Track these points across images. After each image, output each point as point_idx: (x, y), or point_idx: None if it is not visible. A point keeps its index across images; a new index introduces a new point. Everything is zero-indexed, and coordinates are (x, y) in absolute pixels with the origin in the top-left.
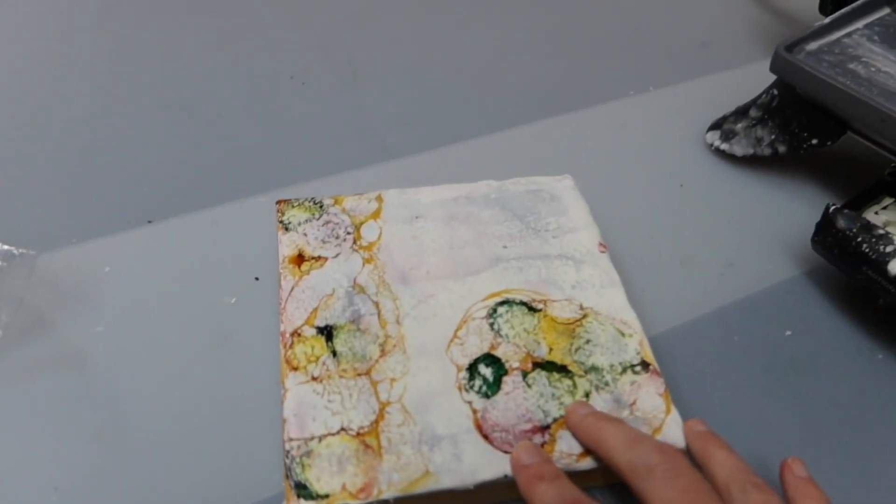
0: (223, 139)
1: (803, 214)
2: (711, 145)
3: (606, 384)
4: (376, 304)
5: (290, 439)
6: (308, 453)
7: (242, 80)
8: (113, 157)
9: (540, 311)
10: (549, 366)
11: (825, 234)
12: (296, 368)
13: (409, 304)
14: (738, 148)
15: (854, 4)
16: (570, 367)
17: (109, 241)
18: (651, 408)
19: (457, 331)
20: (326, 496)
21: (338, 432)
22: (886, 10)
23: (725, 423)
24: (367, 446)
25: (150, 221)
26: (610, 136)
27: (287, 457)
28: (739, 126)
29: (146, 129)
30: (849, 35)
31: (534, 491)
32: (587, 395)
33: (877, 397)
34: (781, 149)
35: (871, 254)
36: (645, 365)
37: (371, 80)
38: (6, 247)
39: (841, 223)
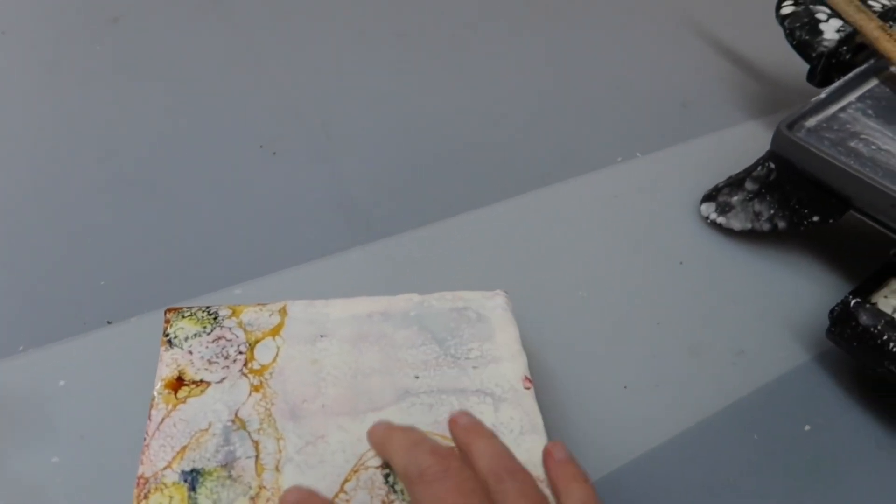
0: (186, 219)
1: (810, 295)
2: (707, 218)
3: None
4: (256, 445)
5: None
6: None
7: (206, 149)
8: (63, 247)
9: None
10: None
11: (844, 327)
12: None
13: (295, 445)
14: (736, 222)
15: (845, 78)
16: None
17: (64, 348)
18: None
19: (344, 483)
20: None
21: None
22: (875, 82)
23: None
24: None
25: (109, 322)
26: (602, 207)
27: None
28: (735, 199)
29: (98, 209)
30: (843, 109)
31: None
32: None
33: None
34: (781, 224)
35: (895, 349)
36: None
37: (347, 147)
38: None
39: (864, 319)
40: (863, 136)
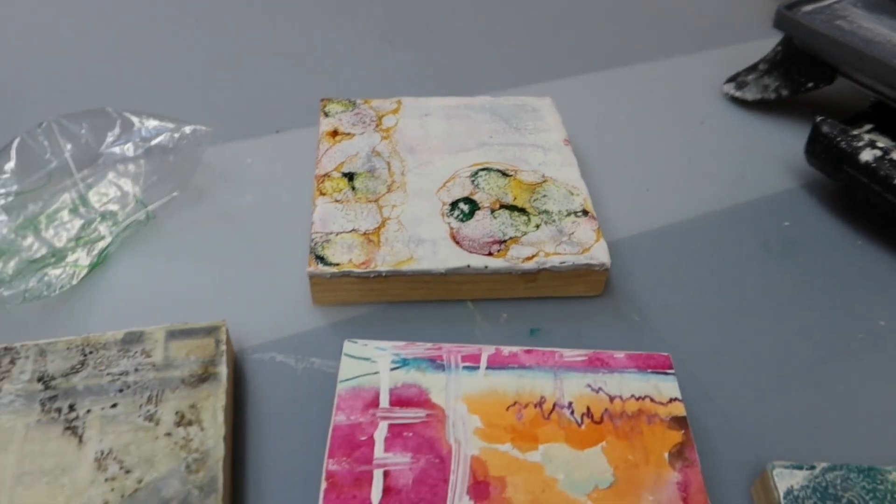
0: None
1: (801, 142)
2: (727, 94)
3: (553, 221)
4: (388, 163)
5: (316, 232)
6: (327, 241)
7: None
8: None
9: (511, 176)
10: (512, 207)
11: (813, 143)
12: (324, 194)
13: (413, 164)
14: (749, 94)
15: None
16: (527, 209)
17: (251, 144)
18: (584, 237)
19: (446, 182)
20: (337, 264)
21: (350, 231)
22: None
23: (733, 281)
24: (370, 241)
25: (277, 131)
26: (645, 88)
27: (312, 242)
28: (750, 77)
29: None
30: (839, 2)
31: None
32: (537, 226)
33: (854, 273)
34: (784, 92)
35: (847, 149)
36: (585, 212)
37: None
38: (188, 126)
39: (825, 129)
40: (848, 19)
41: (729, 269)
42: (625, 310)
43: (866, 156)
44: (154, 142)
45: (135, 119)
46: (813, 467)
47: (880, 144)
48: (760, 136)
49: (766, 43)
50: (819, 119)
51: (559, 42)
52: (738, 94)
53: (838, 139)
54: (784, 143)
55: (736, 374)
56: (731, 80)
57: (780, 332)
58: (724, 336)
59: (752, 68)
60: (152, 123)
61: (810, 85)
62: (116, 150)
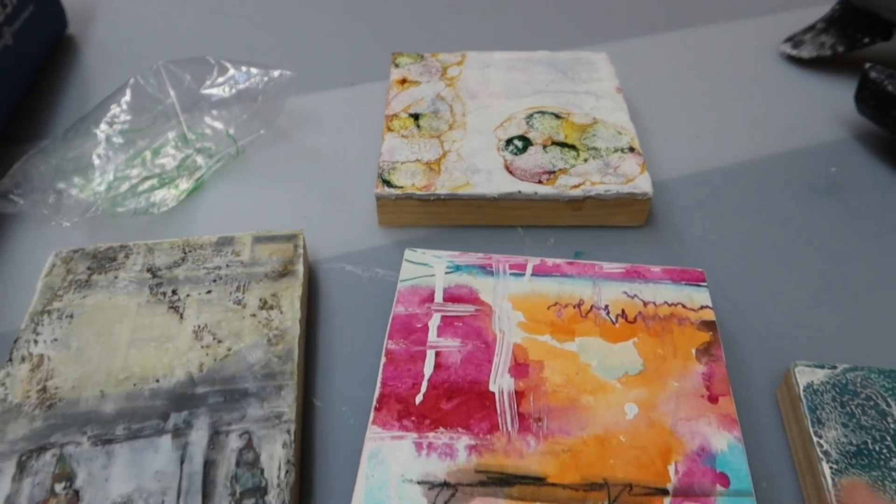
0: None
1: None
2: (784, 53)
3: (601, 156)
4: (450, 106)
5: (383, 161)
6: (393, 168)
7: None
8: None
9: (563, 118)
10: (563, 144)
11: (862, 89)
12: (391, 130)
13: (473, 107)
14: (806, 52)
15: None
16: (577, 146)
17: (328, 94)
18: (629, 170)
19: (503, 122)
20: (401, 187)
21: (413, 161)
22: None
23: (775, 218)
24: (431, 169)
25: (352, 84)
26: (704, 49)
27: (379, 169)
28: (807, 36)
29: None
30: None
31: None
32: (585, 160)
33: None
34: (840, 48)
35: (894, 92)
36: (632, 149)
37: None
38: (275, 71)
39: (872, 74)
40: None
41: (772, 208)
42: (667, 239)
43: None
44: (244, 85)
45: (229, 66)
46: (834, 367)
47: None
48: (814, 91)
49: (825, 8)
50: (868, 65)
51: (621, 5)
52: (794, 52)
53: (885, 83)
54: (837, 97)
55: (769, 293)
56: (788, 39)
57: (817, 261)
58: (760, 262)
59: (810, 28)
60: (244, 69)
61: (866, 40)
62: (213, 91)
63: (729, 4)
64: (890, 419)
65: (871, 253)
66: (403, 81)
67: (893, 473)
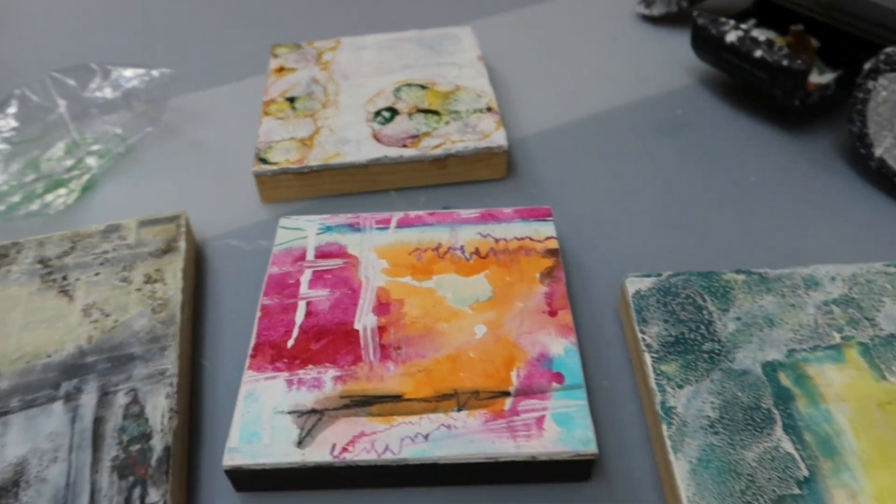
0: None
1: None
2: (638, 13)
3: (461, 118)
4: (324, 87)
5: (260, 142)
6: (269, 147)
7: None
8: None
9: (428, 88)
10: (427, 111)
11: (695, 37)
12: (268, 114)
13: (346, 87)
14: (656, 10)
15: None
16: (440, 111)
17: (215, 90)
18: (486, 127)
19: (373, 97)
20: (276, 163)
21: (288, 139)
22: None
23: (626, 159)
24: (304, 144)
25: (237, 79)
26: (565, 17)
27: (256, 150)
28: None
29: None
30: None
31: None
32: (447, 123)
33: (734, 144)
34: (684, 4)
35: (717, 35)
36: (489, 109)
37: None
38: (155, 70)
39: (700, 21)
40: None
41: (622, 150)
42: (527, 188)
43: (731, 37)
44: (128, 86)
45: (112, 69)
46: (660, 275)
47: (743, 27)
48: (665, 44)
49: None
50: (695, 13)
51: None
52: (646, 11)
53: (710, 28)
54: (685, 48)
55: (613, 222)
56: (643, 1)
57: (658, 191)
58: (608, 197)
59: None
60: (128, 72)
61: None
62: (99, 95)
63: None
64: (705, 312)
65: (706, 178)
66: (281, 70)
67: (704, 355)
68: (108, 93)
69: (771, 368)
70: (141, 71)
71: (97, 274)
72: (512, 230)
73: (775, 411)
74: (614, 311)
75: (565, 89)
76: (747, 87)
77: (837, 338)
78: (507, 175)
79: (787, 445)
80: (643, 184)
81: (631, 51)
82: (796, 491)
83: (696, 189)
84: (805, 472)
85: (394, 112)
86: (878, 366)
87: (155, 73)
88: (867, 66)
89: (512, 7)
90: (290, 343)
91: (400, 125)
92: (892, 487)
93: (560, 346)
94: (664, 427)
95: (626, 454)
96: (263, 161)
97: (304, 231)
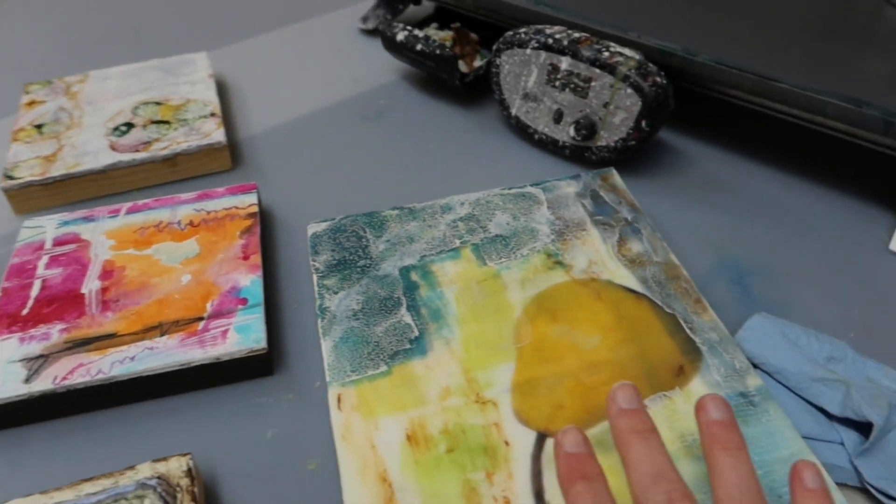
0: None
1: None
2: (359, 28)
3: (188, 124)
4: (70, 113)
5: (8, 163)
6: (16, 166)
7: None
8: None
9: (163, 103)
10: (159, 122)
11: (382, 40)
12: (17, 140)
13: (90, 111)
14: (371, 24)
15: None
16: (171, 121)
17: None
18: (208, 129)
19: (113, 116)
20: (21, 178)
21: (34, 158)
22: None
23: (335, 142)
24: (48, 160)
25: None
26: (301, 40)
27: (4, 169)
28: (371, 12)
29: None
30: None
31: (571, 487)
32: (176, 129)
33: (428, 122)
34: (389, 16)
35: (392, 36)
36: (213, 115)
37: None
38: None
39: (380, 27)
40: None
41: (333, 137)
42: (250, 175)
43: (400, 36)
44: None
45: None
46: (334, 219)
47: (409, 27)
48: (377, 52)
49: None
50: (361, 17)
51: (230, 14)
52: (364, 26)
53: (386, 31)
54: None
55: (315, 192)
56: (362, 18)
57: (356, 166)
58: (315, 173)
59: (374, 6)
60: None
61: (401, 7)
62: None
63: (321, 3)
64: (363, 240)
65: (396, 151)
66: (31, 103)
67: (358, 269)
68: None
69: (406, 270)
70: None
71: None
72: (222, 203)
73: (403, 298)
74: (306, 253)
75: (290, 95)
76: (429, 74)
77: (458, 243)
78: (235, 167)
79: (407, 318)
80: (345, 161)
81: (349, 59)
82: (408, 347)
83: (388, 160)
84: (416, 333)
85: (130, 126)
86: (483, 257)
87: None
88: (494, 47)
89: (254, 34)
90: (25, 311)
91: (135, 136)
92: (476, 334)
93: (248, 280)
94: (318, 321)
95: (303, 352)
96: (10, 178)
97: (43, 228)
